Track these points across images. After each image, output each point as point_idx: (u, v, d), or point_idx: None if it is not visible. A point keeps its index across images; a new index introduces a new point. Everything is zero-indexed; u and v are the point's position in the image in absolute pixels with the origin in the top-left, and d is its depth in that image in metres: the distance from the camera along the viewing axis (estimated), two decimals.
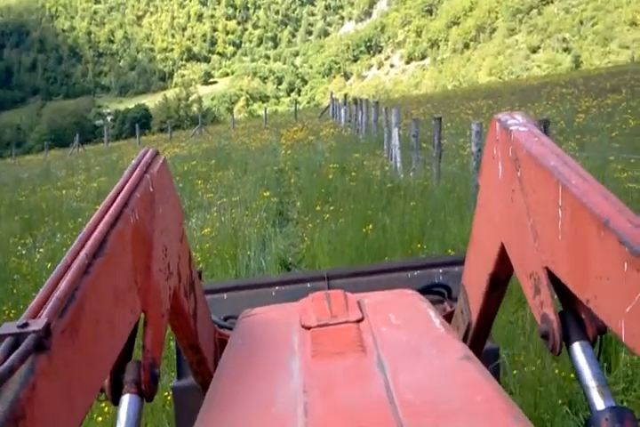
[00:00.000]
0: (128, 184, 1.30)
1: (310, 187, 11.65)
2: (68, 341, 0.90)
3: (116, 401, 1.15)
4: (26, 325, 0.85)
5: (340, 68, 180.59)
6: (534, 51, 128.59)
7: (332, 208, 9.84)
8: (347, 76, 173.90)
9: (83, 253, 1.02)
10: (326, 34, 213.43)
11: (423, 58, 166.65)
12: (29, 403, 0.78)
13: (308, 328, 1.57)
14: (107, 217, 1.15)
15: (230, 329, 1.96)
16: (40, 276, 7.69)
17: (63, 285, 0.94)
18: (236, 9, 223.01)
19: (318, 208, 9.58)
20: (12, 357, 0.79)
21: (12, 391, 0.76)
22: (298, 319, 1.65)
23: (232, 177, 14.56)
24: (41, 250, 9.24)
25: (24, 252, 9.21)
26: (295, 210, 10.99)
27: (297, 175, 13.84)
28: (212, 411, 1.25)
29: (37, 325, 0.84)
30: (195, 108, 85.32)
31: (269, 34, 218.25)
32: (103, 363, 1.06)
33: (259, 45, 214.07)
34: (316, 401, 1.20)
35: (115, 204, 1.21)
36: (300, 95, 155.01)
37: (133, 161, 1.43)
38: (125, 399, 1.14)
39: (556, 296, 1.22)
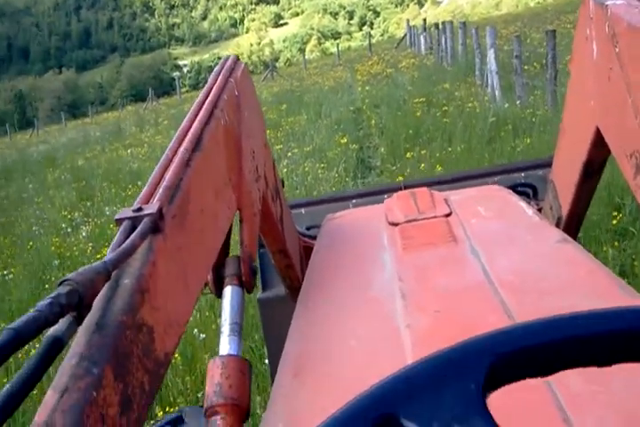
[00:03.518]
0: (215, 87, 1.29)
1: (394, 127, 9.82)
2: (178, 225, 0.93)
3: (219, 294, 1.19)
4: (140, 209, 0.87)
5: None
6: None
7: (423, 152, 8.05)
8: (420, 4, 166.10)
9: (182, 148, 1.04)
10: None
11: None
12: (152, 278, 0.82)
13: (396, 224, 1.56)
14: (199, 116, 1.15)
15: (313, 238, 1.92)
16: (79, 264, 6.40)
17: (169, 175, 0.96)
18: None
19: (408, 155, 7.78)
20: (132, 236, 0.81)
21: (136, 267, 0.81)
22: (384, 218, 1.63)
23: (304, 122, 12.87)
24: (88, 227, 7.98)
25: (69, 230, 7.99)
26: (379, 157, 9.24)
27: (377, 114, 11.96)
28: (308, 305, 1.28)
29: (151, 208, 0.87)
30: (267, 51, 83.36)
31: None
32: (209, 251, 1.09)
33: None
34: (412, 286, 1.20)
35: (205, 104, 1.20)
36: (372, 28, 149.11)
37: (216, 67, 1.42)
38: (228, 291, 1.17)
39: None
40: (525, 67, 10.86)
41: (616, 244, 4.45)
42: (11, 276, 6.85)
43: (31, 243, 7.75)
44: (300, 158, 9.33)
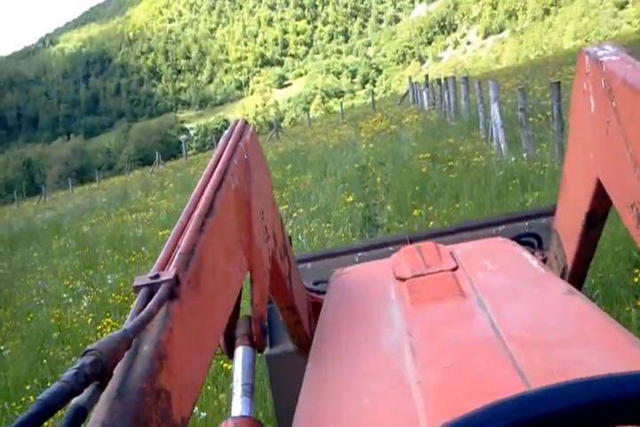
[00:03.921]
0: (225, 152, 1.33)
1: (400, 184, 9.67)
2: (193, 290, 0.95)
3: (230, 355, 1.20)
4: (157, 276, 0.90)
5: (414, 52, 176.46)
6: (622, 7, 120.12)
7: (430, 209, 7.86)
8: (422, 61, 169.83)
9: (196, 214, 1.07)
10: (397, 20, 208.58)
11: (501, 31, 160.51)
12: (169, 344, 0.83)
13: (403, 280, 1.57)
14: (211, 182, 1.19)
15: (321, 293, 1.95)
16: (78, 336, 6.15)
17: (184, 241, 0.99)
18: (304, 8, 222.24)
19: (415, 212, 7.59)
20: (150, 303, 0.83)
21: (154, 334, 0.82)
22: (391, 273, 1.64)
23: (309, 181, 12.77)
24: (90, 296, 7.75)
25: (71, 300, 7.75)
26: (385, 214, 9.05)
27: (382, 171, 11.85)
28: (320, 362, 1.28)
29: (168, 275, 0.90)
30: (272, 112, 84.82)
31: (339, 28, 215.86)
32: (222, 314, 1.11)
33: (330, 41, 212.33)
34: (421, 341, 1.20)
35: (216, 170, 1.24)
36: (375, 86, 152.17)
37: (226, 131, 1.47)
38: (239, 352, 1.18)
39: None
40: (530, 119, 10.79)
41: (639, 303, 4.19)
42: (8, 351, 6.59)
43: (31, 315, 7.52)
44: (306, 219, 9.15)
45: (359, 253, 2.39)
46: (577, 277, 1.70)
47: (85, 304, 7.29)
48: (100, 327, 6.25)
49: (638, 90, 1.14)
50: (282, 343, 2.05)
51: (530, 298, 1.34)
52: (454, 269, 1.56)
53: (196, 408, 4.02)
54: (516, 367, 1.03)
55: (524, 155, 9.27)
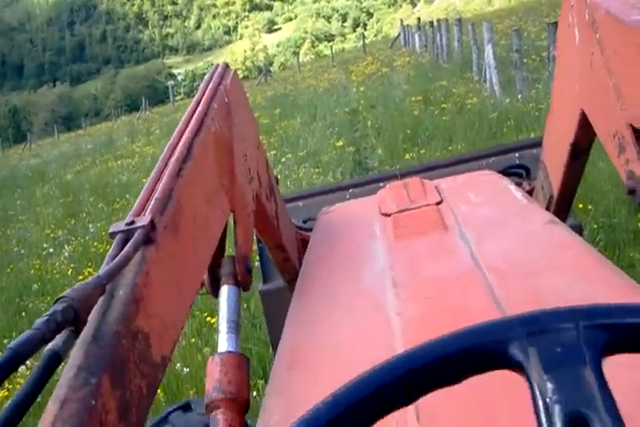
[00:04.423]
0: (205, 96, 1.31)
1: (392, 128, 9.36)
2: (170, 235, 0.96)
3: (215, 293, 1.23)
4: (132, 222, 0.90)
5: None
6: None
7: (422, 152, 7.59)
8: (413, 4, 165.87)
9: (173, 159, 1.07)
10: None
11: None
12: (146, 287, 0.84)
13: (388, 215, 1.58)
14: (190, 126, 1.18)
15: (310, 230, 1.94)
16: (59, 287, 5.94)
17: (160, 186, 0.99)
18: None
19: (407, 156, 7.32)
20: (125, 248, 0.84)
21: (129, 278, 0.83)
22: (377, 209, 1.66)
23: (298, 126, 12.41)
24: (71, 246, 7.50)
25: (52, 250, 7.51)
26: (376, 158, 8.77)
27: (374, 115, 11.50)
28: (303, 296, 1.32)
29: (143, 221, 0.90)
30: (261, 57, 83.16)
31: None
32: (203, 256, 1.13)
33: None
34: (404, 275, 1.22)
35: (195, 114, 1.23)
36: (366, 29, 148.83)
37: (206, 75, 1.45)
38: (224, 290, 1.21)
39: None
40: (524, 60, 10.41)
41: None
42: None
43: (11, 266, 7.29)
44: (295, 164, 8.87)
45: (350, 191, 2.39)
46: (562, 206, 1.73)
47: (67, 254, 7.06)
48: (81, 277, 6.04)
49: (621, 21, 1.12)
50: (274, 280, 2.12)
51: (512, 229, 1.35)
52: (439, 204, 1.57)
53: (178, 364, 3.85)
54: (494, 297, 1.04)
55: (519, 96, 8.94)
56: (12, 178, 18.54)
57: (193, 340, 4.24)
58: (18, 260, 7.53)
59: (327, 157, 8.79)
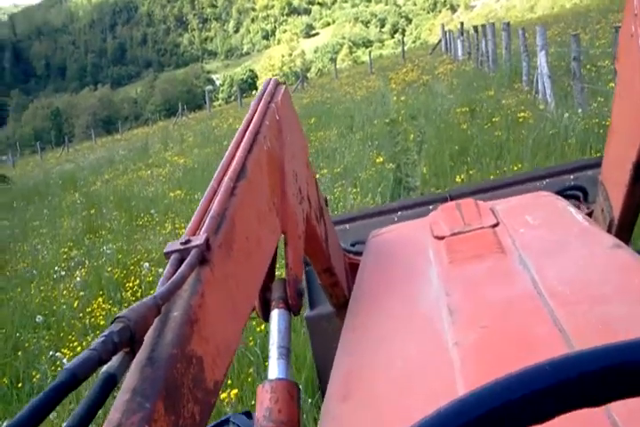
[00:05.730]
0: (257, 114, 1.29)
1: (437, 143, 8.61)
2: (225, 255, 0.94)
3: (266, 317, 1.18)
4: (188, 241, 0.88)
5: (445, 1, 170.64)
6: None
7: (472, 172, 6.84)
8: (453, 9, 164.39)
9: (227, 178, 1.05)
10: None
11: None
12: (201, 309, 0.82)
13: (442, 238, 1.53)
14: (243, 144, 1.17)
15: (358, 254, 1.91)
16: (65, 319, 5.34)
17: (214, 205, 0.98)
18: None
19: (457, 178, 6.56)
20: (181, 268, 0.82)
21: (184, 299, 0.81)
22: (429, 232, 1.61)
23: (335, 137, 11.73)
24: (84, 269, 6.91)
25: (63, 273, 6.93)
26: (418, 177, 8.04)
27: (415, 126, 10.76)
28: (356, 322, 1.27)
29: (198, 240, 0.88)
30: (298, 62, 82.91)
31: None
32: (256, 278, 1.09)
33: None
34: (460, 301, 1.17)
35: (248, 132, 1.22)
36: (404, 35, 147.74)
37: (258, 92, 1.42)
38: (275, 314, 1.16)
39: None
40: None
41: None
42: None
43: (19, 289, 6.73)
44: (330, 181, 8.19)
45: (398, 213, 2.34)
46: (624, 230, 1.66)
47: (78, 279, 6.46)
48: (89, 310, 5.44)
49: None
50: (321, 305, 2.06)
51: (574, 253, 1.28)
52: (495, 226, 1.52)
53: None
54: (558, 325, 0.99)
55: (579, 110, 8.12)
56: (44, 184, 18.25)
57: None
58: (27, 282, 6.98)
59: (366, 174, 8.09)
